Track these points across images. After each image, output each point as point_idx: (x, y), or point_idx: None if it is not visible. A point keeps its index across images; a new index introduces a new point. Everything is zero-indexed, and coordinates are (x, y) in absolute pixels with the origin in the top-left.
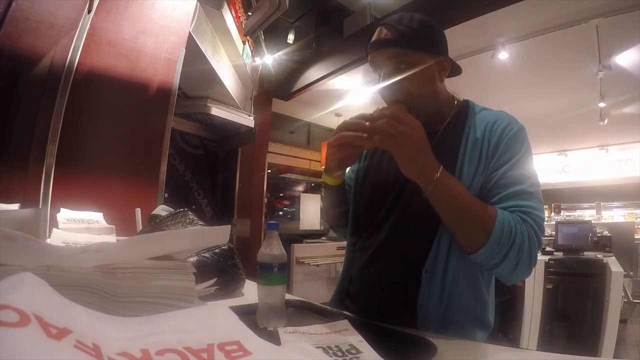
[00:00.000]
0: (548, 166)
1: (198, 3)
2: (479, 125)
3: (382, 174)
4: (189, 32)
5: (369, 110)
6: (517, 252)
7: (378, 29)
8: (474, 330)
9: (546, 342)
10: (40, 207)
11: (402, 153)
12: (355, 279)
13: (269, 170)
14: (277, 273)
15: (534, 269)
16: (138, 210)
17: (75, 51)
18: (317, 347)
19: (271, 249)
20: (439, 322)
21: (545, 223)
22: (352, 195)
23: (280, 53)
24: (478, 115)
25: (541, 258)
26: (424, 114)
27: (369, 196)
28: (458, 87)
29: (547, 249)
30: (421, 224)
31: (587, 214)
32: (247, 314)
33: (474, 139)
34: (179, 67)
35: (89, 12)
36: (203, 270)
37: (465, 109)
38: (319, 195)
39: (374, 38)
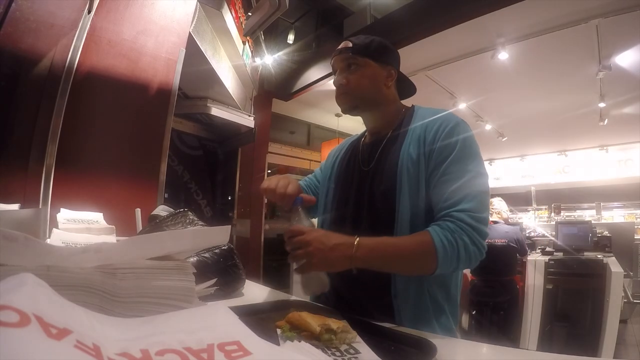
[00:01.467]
0: (548, 166)
1: (198, 3)
2: (419, 121)
3: (347, 175)
4: (189, 33)
5: None
6: (464, 254)
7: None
8: (442, 316)
9: (546, 342)
10: (40, 207)
11: (323, 264)
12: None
13: (269, 171)
14: None
15: (533, 268)
16: (138, 211)
17: (75, 51)
18: (316, 347)
19: (300, 221)
20: (414, 307)
21: (544, 223)
22: (321, 204)
23: (280, 53)
24: (419, 114)
25: (541, 258)
26: (370, 112)
27: (336, 196)
28: (458, 88)
29: (547, 249)
30: (379, 219)
31: (587, 214)
32: (247, 314)
33: (415, 135)
34: (179, 67)
35: (89, 12)
36: (203, 270)
37: (410, 112)
38: None
39: (336, 49)
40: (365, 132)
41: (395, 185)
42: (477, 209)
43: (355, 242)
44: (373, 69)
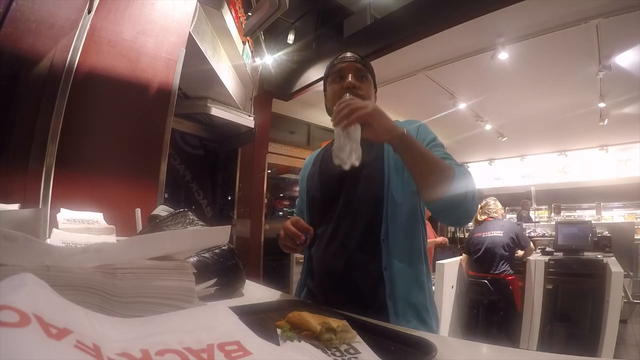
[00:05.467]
0: (548, 166)
1: (198, 3)
2: None
3: (324, 175)
4: (189, 33)
5: None
6: (472, 190)
7: (344, 53)
8: (423, 295)
9: (546, 342)
10: (40, 207)
11: (380, 120)
12: (317, 265)
13: (269, 171)
14: None
15: (533, 268)
16: (138, 211)
17: (75, 51)
18: (316, 347)
19: None
20: (404, 284)
21: (544, 223)
22: (307, 205)
23: (280, 53)
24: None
25: (541, 258)
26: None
27: (317, 195)
28: (458, 88)
29: (547, 249)
30: (365, 203)
31: (587, 214)
32: (247, 314)
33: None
34: (179, 67)
35: (89, 12)
36: (203, 270)
37: None
38: None
39: (343, 56)
40: (330, 144)
41: (384, 173)
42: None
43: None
44: (372, 86)
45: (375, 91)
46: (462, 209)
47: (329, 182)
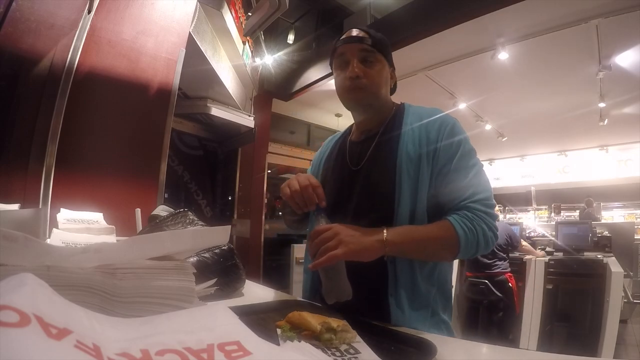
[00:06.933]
0: (548, 166)
1: (198, 3)
2: (414, 120)
3: (337, 175)
4: (189, 33)
5: None
6: (483, 239)
7: (350, 30)
8: (438, 313)
9: (546, 342)
10: (40, 207)
11: (354, 249)
12: None
13: (269, 171)
14: None
15: (533, 268)
16: (138, 211)
17: (75, 51)
18: (316, 347)
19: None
20: (410, 289)
21: (544, 223)
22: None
23: (280, 53)
24: (411, 112)
25: (541, 259)
26: (373, 109)
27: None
28: (458, 88)
29: (547, 249)
30: (372, 220)
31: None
32: (247, 314)
33: (413, 135)
34: (179, 67)
35: (89, 12)
36: (203, 270)
37: (401, 110)
38: None
39: (346, 36)
40: (350, 129)
41: (395, 186)
42: (488, 197)
43: (384, 228)
44: (385, 68)
45: (393, 70)
46: (478, 252)
47: (340, 191)
